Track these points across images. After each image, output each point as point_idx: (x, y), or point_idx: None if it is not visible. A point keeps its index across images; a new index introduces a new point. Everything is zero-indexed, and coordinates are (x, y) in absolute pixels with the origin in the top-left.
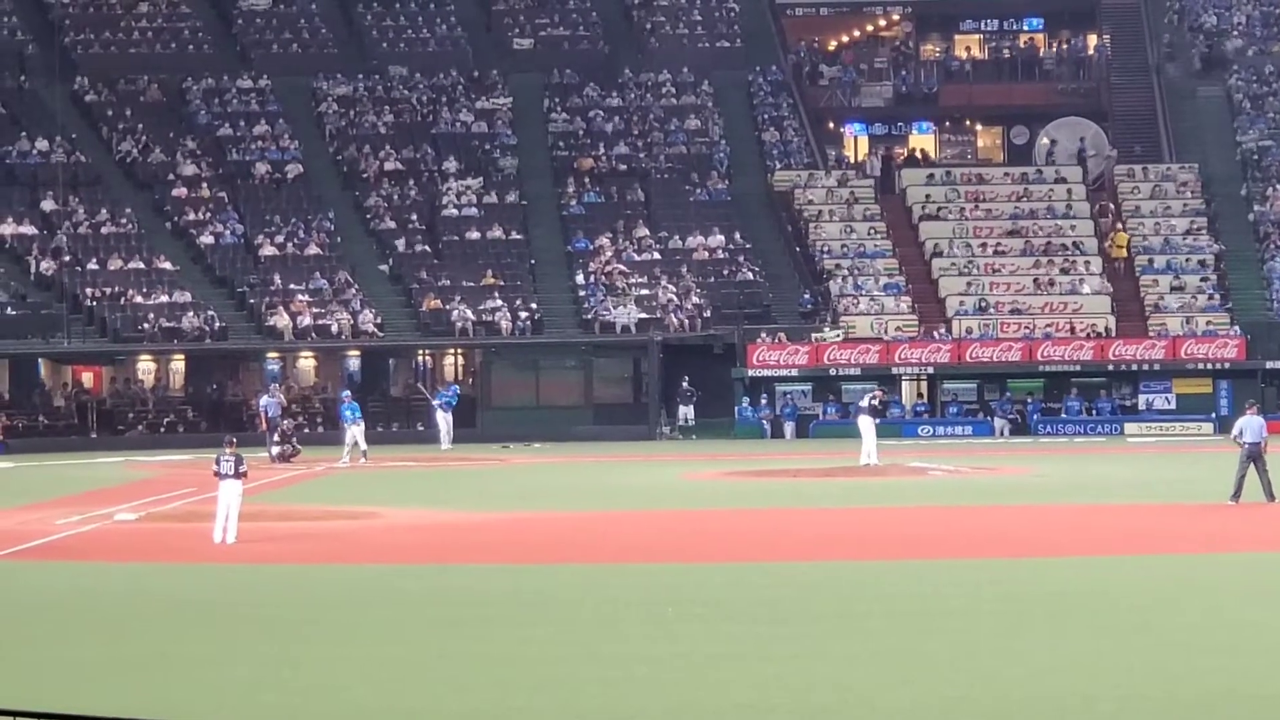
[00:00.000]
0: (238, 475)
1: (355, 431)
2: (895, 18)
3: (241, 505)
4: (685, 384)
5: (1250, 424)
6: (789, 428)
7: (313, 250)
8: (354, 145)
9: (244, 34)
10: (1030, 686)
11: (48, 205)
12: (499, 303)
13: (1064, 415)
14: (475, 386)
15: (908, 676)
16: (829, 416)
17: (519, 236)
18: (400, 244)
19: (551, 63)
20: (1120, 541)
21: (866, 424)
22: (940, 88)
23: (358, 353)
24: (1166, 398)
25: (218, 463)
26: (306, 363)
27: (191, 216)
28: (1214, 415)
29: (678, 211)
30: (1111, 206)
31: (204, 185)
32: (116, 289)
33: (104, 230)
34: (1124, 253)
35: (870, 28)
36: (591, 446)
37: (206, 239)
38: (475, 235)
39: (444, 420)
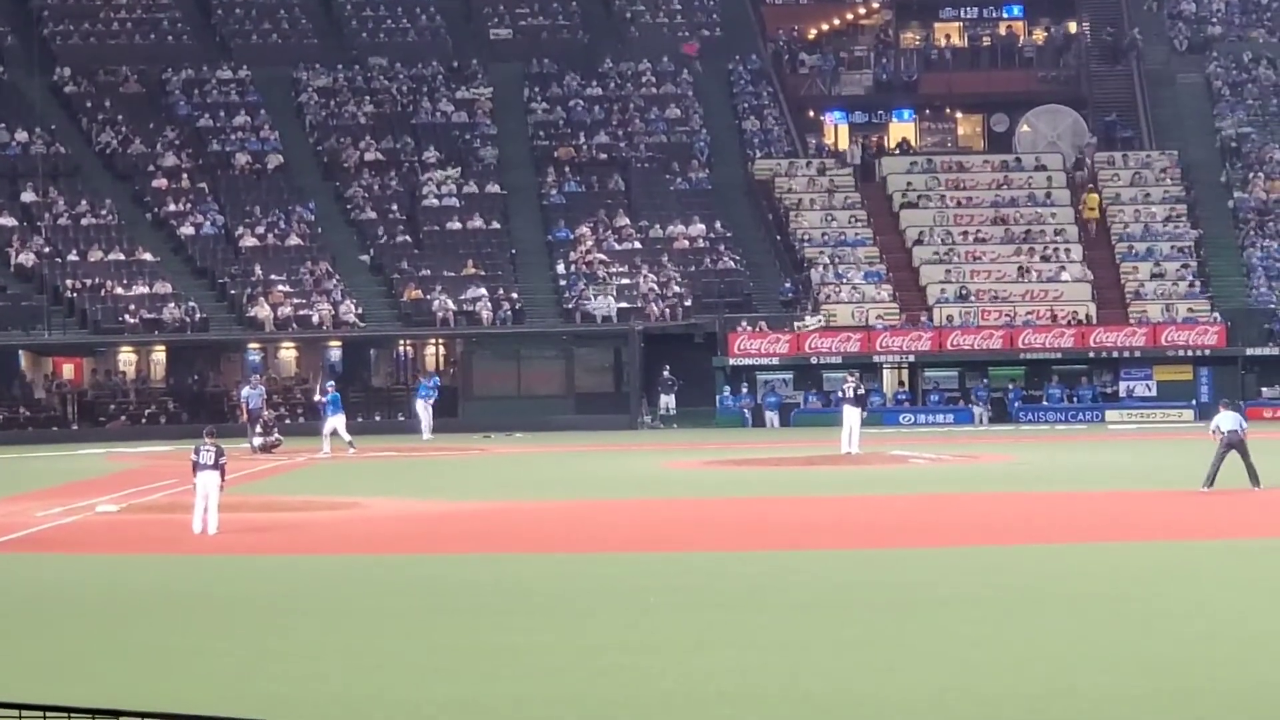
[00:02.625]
0: (216, 466)
1: (335, 422)
2: (875, 6)
3: (222, 496)
4: (666, 373)
5: (1225, 417)
6: (773, 417)
7: (293, 241)
8: (334, 136)
9: (224, 24)
10: (1013, 673)
11: (27, 196)
12: (480, 293)
13: (1045, 403)
14: (456, 376)
15: (891, 664)
16: (810, 405)
17: (499, 226)
18: (381, 234)
19: (531, 52)
20: (1102, 528)
21: (851, 414)
22: (920, 76)
23: (339, 343)
24: (1147, 385)
25: (196, 453)
26: (287, 353)
27: (172, 207)
28: (1195, 402)
29: (658, 201)
30: (1087, 163)
31: (184, 176)
32: (97, 280)
33: (84, 221)
34: (1095, 214)
35: (850, 16)
36: (573, 436)
37: (187, 230)
38: (456, 225)
39: (424, 410)
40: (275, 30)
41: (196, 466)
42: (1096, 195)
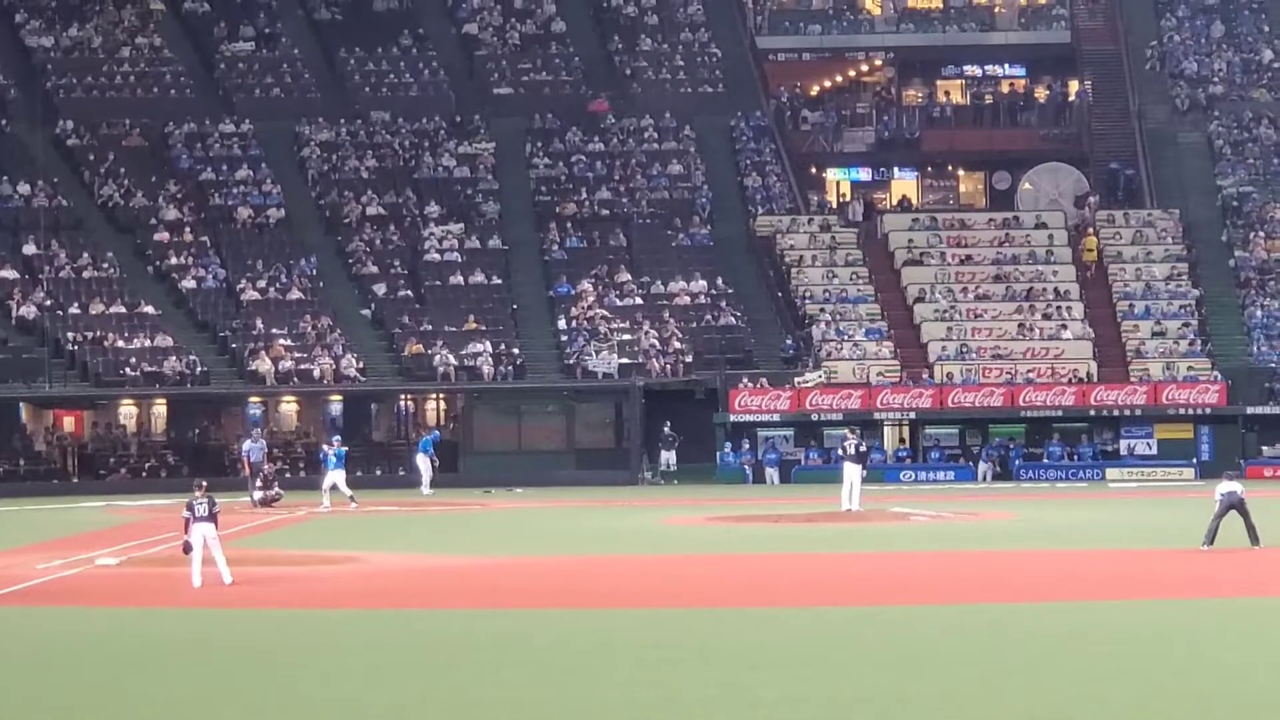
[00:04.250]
0: (211, 518)
1: (336, 477)
2: (878, 63)
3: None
4: (667, 429)
5: (1226, 485)
6: (773, 473)
7: (295, 295)
8: (336, 190)
9: (226, 78)
10: None
11: (29, 249)
12: (481, 348)
13: (1046, 460)
14: (457, 431)
15: None
16: (811, 462)
17: (501, 281)
18: (382, 289)
19: (533, 107)
20: (1102, 586)
21: (851, 470)
22: (922, 133)
23: (340, 397)
24: (1148, 443)
25: (190, 508)
26: (288, 407)
27: (173, 261)
28: (1195, 461)
29: (660, 256)
30: (1091, 202)
31: (186, 229)
32: (98, 333)
33: (86, 274)
34: (1094, 256)
35: (853, 73)
36: (573, 491)
37: (188, 283)
38: (457, 280)
39: (424, 464)
40: (277, 84)
41: (192, 520)
42: (1095, 239)
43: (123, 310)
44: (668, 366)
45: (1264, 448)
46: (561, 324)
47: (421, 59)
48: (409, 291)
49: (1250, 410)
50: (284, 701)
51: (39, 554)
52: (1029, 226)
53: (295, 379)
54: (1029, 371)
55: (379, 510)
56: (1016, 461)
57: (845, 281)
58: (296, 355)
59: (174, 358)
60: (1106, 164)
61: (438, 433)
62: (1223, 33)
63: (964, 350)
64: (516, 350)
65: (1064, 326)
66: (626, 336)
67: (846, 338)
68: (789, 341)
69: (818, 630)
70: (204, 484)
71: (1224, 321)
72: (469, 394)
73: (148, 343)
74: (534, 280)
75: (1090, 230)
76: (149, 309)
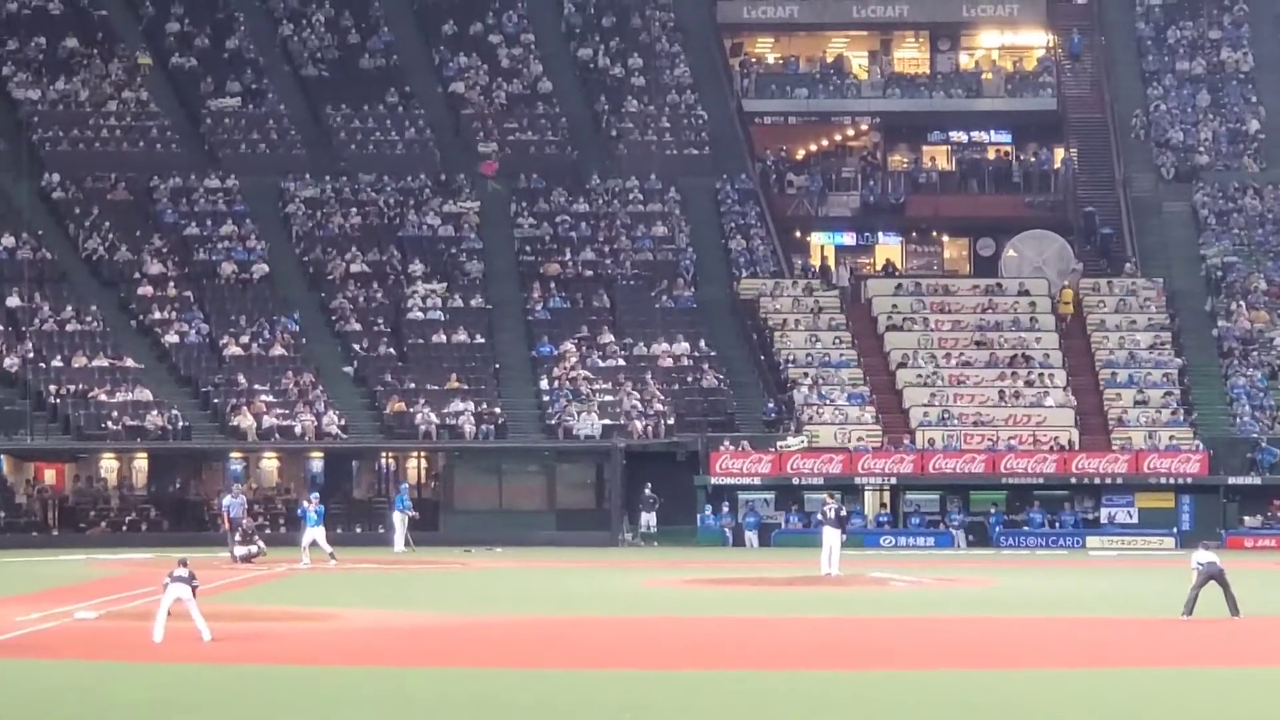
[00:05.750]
0: (187, 582)
1: (315, 533)
2: (863, 128)
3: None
4: (648, 491)
5: (1203, 555)
6: (752, 536)
7: (277, 351)
8: (320, 246)
9: (212, 134)
10: None
11: (13, 302)
12: (463, 407)
13: (1026, 528)
14: (438, 490)
15: None
16: (791, 525)
17: (483, 341)
18: (365, 346)
19: (519, 167)
20: (1079, 655)
21: (831, 535)
22: (907, 198)
23: (321, 454)
24: (1129, 511)
25: (170, 573)
26: (269, 463)
27: (157, 315)
28: (1176, 530)
29: (643, 318)
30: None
31: (170, 284)
32: (81, 386)
33: (69, 327)
34: (1070, 309)
35: (838, 137)
36: (553, 552)
37: (171, 338)
38: (440, 339)
39: (399, 522)
40: (263, 140)
41: (169, 580)
42: (1071, 292)
43: (105, 364)
44: (649, 428)
45: (1245, 518)
46: (544, 384)
47: (407, 117)
48: (391, 349)
49: (1232, 480)
50: None
51: (17, 606)
52: (1013, 293)
53: (277, 435)
54: (1010, 438)
55: (358, 567)
56: (997, 529)
57: (828, 345)
58: (278, 411)
59: (156, 412)
60: (1083, 208)
61: (405, 485)
62: (1209, 102)
63: (946, 416)
64: (498, 410)
65: (1046, 394)
66: (608, 397)
67: (828, 402)
68: (771, 405)
69: (795, 694)
70: (186, 560)
71: (1207, 391)
72: (450, 453)
73: (130, 396)
74: (517, 340)
75: (1066, 285)
76: (131, 363)
